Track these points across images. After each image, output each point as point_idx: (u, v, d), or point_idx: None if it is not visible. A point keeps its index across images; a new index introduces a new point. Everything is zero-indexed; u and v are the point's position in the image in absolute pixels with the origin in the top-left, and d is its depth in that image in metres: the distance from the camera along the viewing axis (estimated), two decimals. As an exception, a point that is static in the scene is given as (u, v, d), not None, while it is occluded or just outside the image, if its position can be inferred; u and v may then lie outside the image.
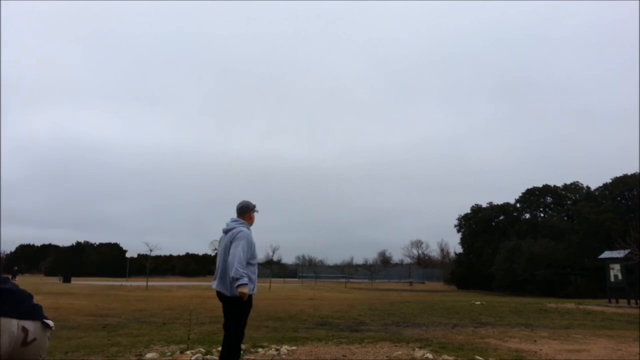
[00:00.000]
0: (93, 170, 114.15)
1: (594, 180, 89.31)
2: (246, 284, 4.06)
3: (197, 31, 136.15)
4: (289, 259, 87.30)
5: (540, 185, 52.28)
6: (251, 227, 4.54)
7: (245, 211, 4.54)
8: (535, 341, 7.57)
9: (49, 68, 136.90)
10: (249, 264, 4.20)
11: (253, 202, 4.65)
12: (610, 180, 45.73)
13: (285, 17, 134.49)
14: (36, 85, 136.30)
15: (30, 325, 2.12)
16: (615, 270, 19.56)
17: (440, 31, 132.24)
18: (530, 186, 53.12)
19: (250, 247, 4.28)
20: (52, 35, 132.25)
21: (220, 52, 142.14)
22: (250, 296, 4.19)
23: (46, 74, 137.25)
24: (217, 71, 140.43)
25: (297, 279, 62.24)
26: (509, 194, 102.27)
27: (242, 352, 6.02)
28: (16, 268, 49.83)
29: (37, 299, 2.63)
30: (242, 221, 4.47)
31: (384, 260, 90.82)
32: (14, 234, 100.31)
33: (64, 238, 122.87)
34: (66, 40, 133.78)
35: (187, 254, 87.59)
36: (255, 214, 4.65)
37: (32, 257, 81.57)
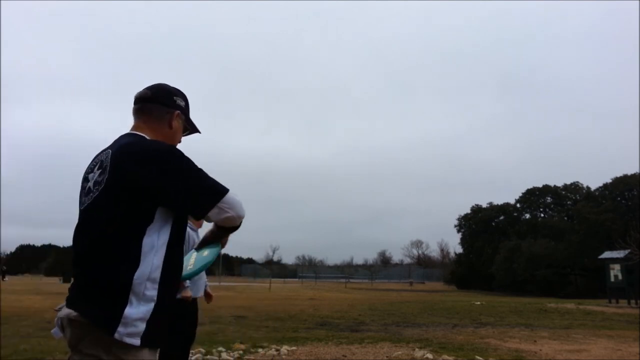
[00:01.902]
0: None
1: (594, 180, 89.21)
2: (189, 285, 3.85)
3: (197, 31, 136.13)
4: (289, 259, 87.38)
5: (540, 185, 52.24)
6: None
7: None
8: (535, 341, 7.57)
9: (48, 67, 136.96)
10: None
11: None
12: (610, 180, 45.71)
13: (285, 17, 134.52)
14: (36, 83, 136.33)
15: None
16: (615, 270, 19.56)
17: (440, 30, 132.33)
18: (530, 186, 53.10)
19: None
20: (52, 35, 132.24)
21: (220, 52, 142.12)
22: (194, 299, 3.96)
23: (46, 73, 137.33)
24: (217, 71, 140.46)
25: (297, 279, 62.20)
26: (509, 194, 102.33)
27: (242, 352, 6.02)
28: (5, 268, 49.56)
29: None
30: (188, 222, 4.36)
31: (384, 260, 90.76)
32: (14, 234, 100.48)
33: (64, 238, 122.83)
34: (66, 40, 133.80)
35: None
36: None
37: (32, 257, 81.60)
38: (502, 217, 54.35)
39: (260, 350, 6.16)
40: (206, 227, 4.45)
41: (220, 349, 6.00)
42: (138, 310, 1.34)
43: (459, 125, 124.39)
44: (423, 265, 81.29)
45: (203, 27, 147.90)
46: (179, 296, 3.63)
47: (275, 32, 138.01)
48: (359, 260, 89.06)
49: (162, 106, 1.64)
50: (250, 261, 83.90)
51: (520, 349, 6.70)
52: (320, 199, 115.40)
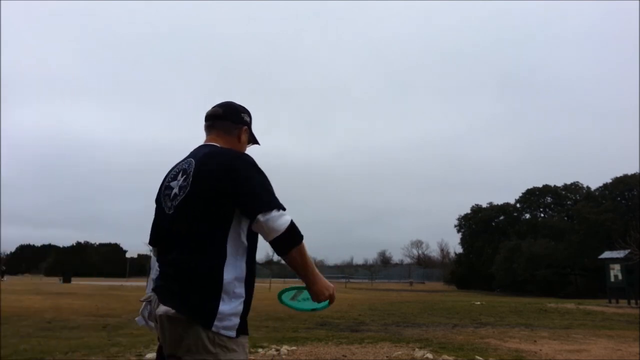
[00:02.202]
0: (94, 169, 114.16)
1: (594, 180, 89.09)
2: None
3: (197, 31, 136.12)
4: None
5: (540, 185, 52.25)
6: None
7: None
8: (535, 341, 7.57)
9: (48, 67, 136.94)
10: None
11: None
12: (610, 180, 45.71)
13: (285, 17, 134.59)
14: (36, 83, 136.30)
15: None
16: (615, 270, 19.55)
17: (440, 30, 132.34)
18: (530, 186, 53.12)
19: None
20: (52, 35, 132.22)
21: (220, 52, 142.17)
22: None
23: (46, 73, 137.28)
24: (217, 71, 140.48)
25: (297, 279, 62.00)
26: (509, 194, 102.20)
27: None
28: (4, 268, 49.49)
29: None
30: None
31: (384, 260, 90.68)
32: (14, 234, 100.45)
33: (64, 238, 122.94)
34: (66, 40, 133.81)
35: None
36: None
37: (32, 257, 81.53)
38: (502, 217, 54.33)
39: (260, 350, 6.16)
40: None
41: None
42: (230, 307, 1.54)
43: (459, 125, 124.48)
44: (423, 265, 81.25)
45: (203, 27, 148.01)
46: None
47: (275, 32, 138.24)
48: (359, 260, 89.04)
49: (232, 123, 1.86)
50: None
51: (520, 349, 6.69)
52: (320, 199, 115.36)
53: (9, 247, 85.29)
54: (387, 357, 5.95)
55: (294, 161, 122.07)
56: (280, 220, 1.56)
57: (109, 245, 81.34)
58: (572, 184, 51.02)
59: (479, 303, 17.84)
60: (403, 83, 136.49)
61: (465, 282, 51.31)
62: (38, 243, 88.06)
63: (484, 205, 55.65)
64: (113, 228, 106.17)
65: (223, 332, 1.51)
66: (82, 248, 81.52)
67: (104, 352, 5.90)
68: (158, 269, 1.69)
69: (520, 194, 53.24)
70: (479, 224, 54.03)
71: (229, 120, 1.85)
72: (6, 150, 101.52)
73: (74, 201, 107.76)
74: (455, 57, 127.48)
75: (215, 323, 1.50)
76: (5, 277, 43.69)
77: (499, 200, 55.84)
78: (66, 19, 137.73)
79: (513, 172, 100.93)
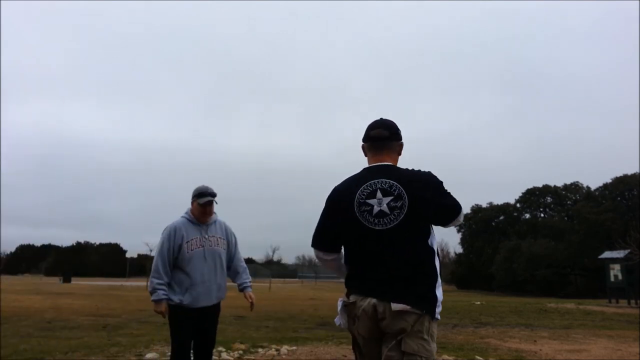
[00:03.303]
0: (94, 169, 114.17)
1: (594, 180, 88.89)
2: (160, 299, 3.27)
3: (197, 31, 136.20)
4: (289, 259, 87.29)
5: (540, 185, 52.26)
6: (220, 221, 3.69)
7: (192, 199, 3.51)
8: (535, 341, 7.57)
9: (48, 67, 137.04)
10: (177, 267, 3.37)
11: (211, 188, 3.51)
12: (610, 180, 45.74)
13: (285, 17, 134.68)
14: (36, 83, 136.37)
15: None
16: (615, 270, 19.55)
17: (440, 30, 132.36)
18: (530, 186, 53.15)
19: (171, 243, 3.35)
20: (52, 35, 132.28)
21: (220, 52, 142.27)
22: (189, 308, 3.33)
23: (46, 73, 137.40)
24: (217, 71, 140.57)
25: (297, 279, 62.20)
26: (509, 194, 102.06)
27: (242, 352, 6.02)
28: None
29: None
30: (185, 213, 3.56)
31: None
32: (14, 234, 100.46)
33: (64, 238, 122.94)
34: (66, 40, 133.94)
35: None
36: (209, 203, 3.46)
37: (32, 257, 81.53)
38: (502, 217, 54.35)
39: (260, 350, 6.16)
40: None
41: (220, 349, 6.00)
42: (441, 295, 1.97)
43: (459, 125, 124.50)
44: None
45: (203, 27, 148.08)
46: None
47: (275, 32, 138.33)
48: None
49: (396, 141, 2.17)
50: (250, 261, 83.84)
51: (520, 349, 6.69)
52: (320, 198, 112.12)
53: (9, 247, 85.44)
54: (387, 357, 5.94)
55: (295, 160, 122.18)
56: (462, 218, 2.15)
57: (109, 245, 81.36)
58: (572, 184, 51.03)
59: (479, 303, 17.84)
60: (403, 83, 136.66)
61: (465, 282, 51.33)
62: (38, 243, 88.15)
63: (484, 205, 55.69)
64: (113, 228, 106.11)
65: (438, 317, 1.94)
66: (82, 248, 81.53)
67: (104, 352, 5.90)
68: (368, 272, 1.99)
69: (520, 194, 53.30)
70: (479, 224, 54.05)
71: (394, 140, 2.15)
72: (6, 150, 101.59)
73: (74, 201, 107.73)
74: (455, 57, 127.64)
75: (436, 310, 1.91)
76: (2, 277, 43.62)
77: (499, 200, 55.90)
78: (66, 19, 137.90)
79: (513, 172, 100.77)
